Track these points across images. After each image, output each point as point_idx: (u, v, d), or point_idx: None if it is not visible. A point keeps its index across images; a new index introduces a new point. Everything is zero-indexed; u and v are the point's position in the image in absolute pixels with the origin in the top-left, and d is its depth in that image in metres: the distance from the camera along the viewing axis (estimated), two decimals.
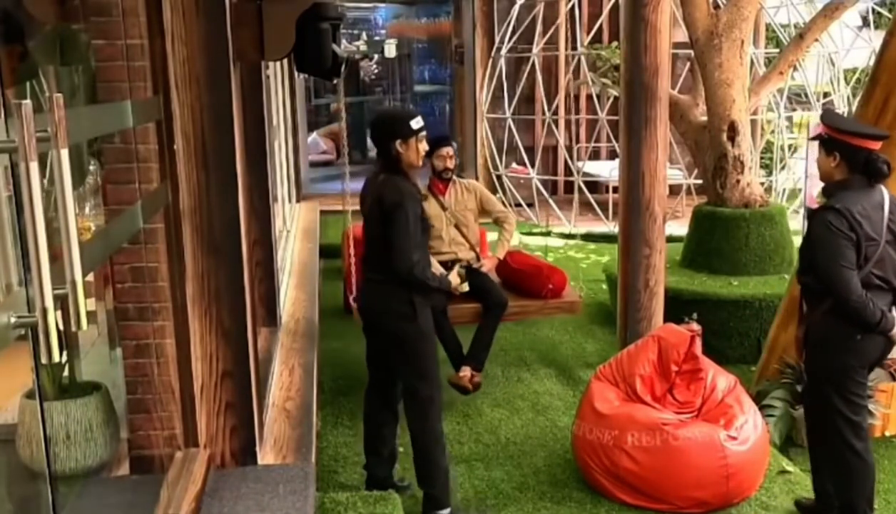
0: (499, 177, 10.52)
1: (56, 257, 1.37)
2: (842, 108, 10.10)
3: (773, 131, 10.41)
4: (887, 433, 4.75)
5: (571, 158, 10.50)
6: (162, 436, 2.64)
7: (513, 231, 5.50)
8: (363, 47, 14.74)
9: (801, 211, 7.73)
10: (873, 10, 10.56)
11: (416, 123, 3.72)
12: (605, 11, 10.18)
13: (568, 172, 10.70)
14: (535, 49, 10.16)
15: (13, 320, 1.38)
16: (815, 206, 6.30)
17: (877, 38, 8.01)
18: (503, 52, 10.31)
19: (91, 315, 2.84)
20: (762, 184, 8.40)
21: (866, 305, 3.31)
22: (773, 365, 5.00)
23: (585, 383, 4.61)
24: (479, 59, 11.11)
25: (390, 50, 14.29)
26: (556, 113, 10.48)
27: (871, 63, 5.68)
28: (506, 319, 5.15)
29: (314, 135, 13.24)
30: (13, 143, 1.28)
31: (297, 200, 9.41)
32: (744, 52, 6.43)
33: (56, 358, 1.36)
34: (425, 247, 3.87)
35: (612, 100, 9.90)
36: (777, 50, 9.47)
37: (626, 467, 3.87)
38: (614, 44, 9.33)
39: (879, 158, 3.38)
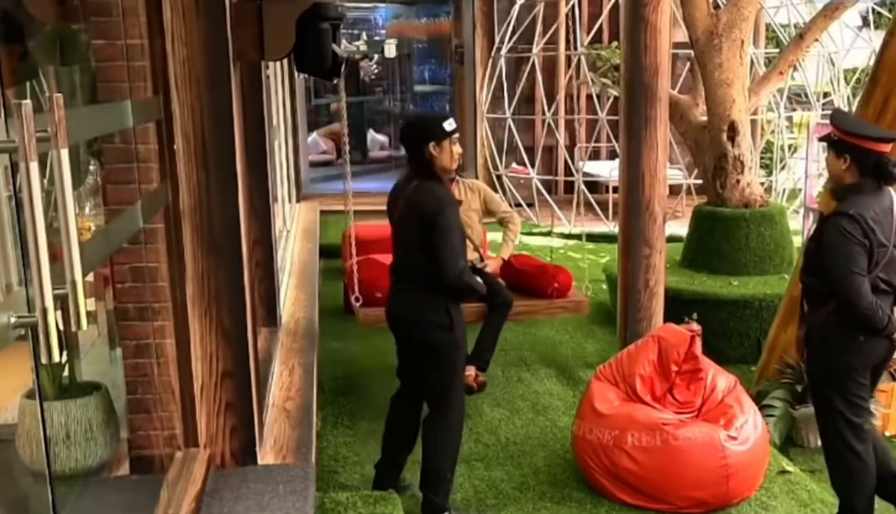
0: (499, 177, 10.52)
1: (56, 257, 1.37)
2: (842, 108, 10.11)
3: (773, 131, 10.41)
4: (887, 433, 4.75)
5: (571, 158, 10.50)
6: (162, 436, 2.64)
7: (518, 232, 5.47)
8: (363, 47, 14.74)
9: (801, 211, 7.74)
10: (873, 10, 10.56)
11: (450, 124, 3.65)
12: (605, 11, 10.18)
13: (568, 172, 10.70)
14: (535, 49, 10.16)
15: (13, 320, 1.38)
16: (815, 206, 6.31)
17: (877, 38, 8.01)
18: (503, 52, 10.31)
19: (91, 315, 2.84)
20: (762, 184, 8.40)
21: (875, 311, 3.29)
22: (773, 365, 5.00)
23: (585, 383, 4.61)
24: (479, 59, 11.11)
25: (390, 50, 14.28)
26: (556, 113, 10.48)
27: (871, 63, 5.68)
28: (511, 318, 5.15)
29: (314, 135, 13.24)
30: (13, 143, 1.28)
31: (297, 200, 9.41)
32: (744, 52, 6.44)
33: (56, 358, 1.36)
34: (465, 253, 3.80)
35: (612, 100, 9.90)
36: (777, 50, 9.47)
37: (626, 467, 3.87)
38: (614, 44, 9.33)
39: (890, 161, 3.36)
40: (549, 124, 10.36)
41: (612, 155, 10.07)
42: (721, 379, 4.12)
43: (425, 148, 3.61)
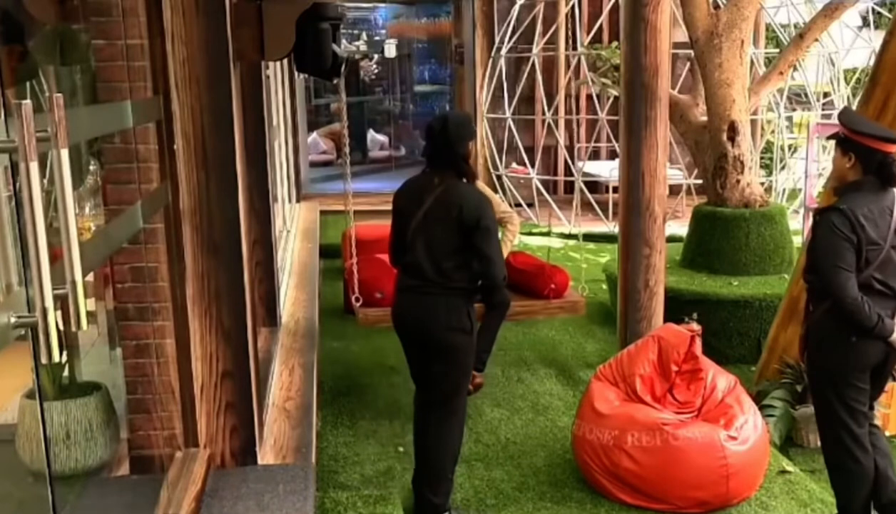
0: (499, 177, 10.52)
1: (56, 257, 1.37)
2: (842, 108, 10.09)
3: (773, 131, 10.41)
4: (888, 433, 4.74)
5: (571, 158, 10.50)
6: (162, 436, 2.64)
7: (517, 232, 5.45)
8: (363, 47, 14.73)
9: (801, 211, 7.74)
10: (873, 10, 10.55)
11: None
12: (605, 11, 10.18)
13: (568, 172, 10.70)
14: (535, 49, 10.16)
15: (13, 320, 1.38)
16: (814, 206, 6.31)
17: (877, 38, 8.01)
18: (503, 52, 10.31)
19: (91, 315, 2.84)
20: (762, 184, 8.40)
21: (861, 308, 3.30)
22: (773, 365, 5.00)
23: (585, 383, 4.61)
24: (479, 59, 11.11)
25: (390, 50, 14.27)
26: (556, 113, 10.47)
27: (871, 63, 5.68)
28: (508, 319, 5.14)
29: (314, 135, 13.24)
30: (13, 143, 1.28)
31: (297, 200, 9.41)
32: (744, 52, 6.43)
33: (56, 358, 1.36)
34: None
35: (612, 100, 9.90)
36: (777, 50, 9.47)
37: (626, 467, 3.87)
38: (614, 44, 9.33)
39: (895, 161, 3.38)
40: (549, 124, 10.36)
41: (612, 155, 10.07)
42: (721, 379, 4.12)
43: (466, 146, 3.58)
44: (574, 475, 4.18)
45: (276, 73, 6.72)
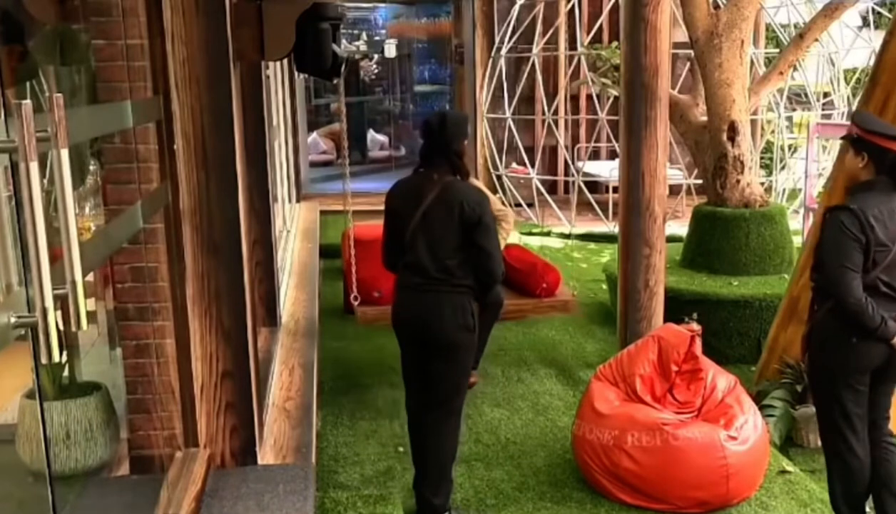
0: (499, 177, 10.53)
1: (56, 257, 1.37)
2: (842, 108, 10.11)
3: (773, 131, 10.41)
4: None
5: (571, 158, 10.50)
6: (162, 436, 2.64)
7: (510, 230, 5.45)
8: (363, 47, 14.73)
9: (801, 211, 7.74)
10: (873, 10, 10.56)
11: None
12: (605, 11, 10.18)
13: (568, 172, 10.70)
14: (535, 49, 10.16)
15: (13, 320, 1.38)
16: (814, 206, 6.31)
17: (877, 38, 8.01)
18: (503, 52, 10.31)
19: (91, 315, 2.84)
20: (762, 184, 8.40)
21: (865, 309, 3.30)
22: (773, 365, 5.00)
23: (585, 383, 4.61)
24: (479, 59, 11.11)
25: (390, 50, 14.27)
26: (556, 113, 10.48)
27: (871, 63, 5.68)
28: (502, 318, 5.14)
29: (314, 135, 13.24)
30: (13, 143, 1.28)
31: (297, 200, 9.41)
32: (744, 52, 6.43)
33: (56, 358, 1.36)
34: None
35: (612, 100, 9.90)
36: (777, 50, 9.47)
37: (626, 467, 3.87)
38: (614, 44, 9.33)
39: None
40: (549, 124, 10.36)
41: (612, 155, 10.07)
42: (721, 379, 4.12)
43: (462, 144, 3.61)
44: (574, 475, 4.18)
45: (276, 74, 6.72)
